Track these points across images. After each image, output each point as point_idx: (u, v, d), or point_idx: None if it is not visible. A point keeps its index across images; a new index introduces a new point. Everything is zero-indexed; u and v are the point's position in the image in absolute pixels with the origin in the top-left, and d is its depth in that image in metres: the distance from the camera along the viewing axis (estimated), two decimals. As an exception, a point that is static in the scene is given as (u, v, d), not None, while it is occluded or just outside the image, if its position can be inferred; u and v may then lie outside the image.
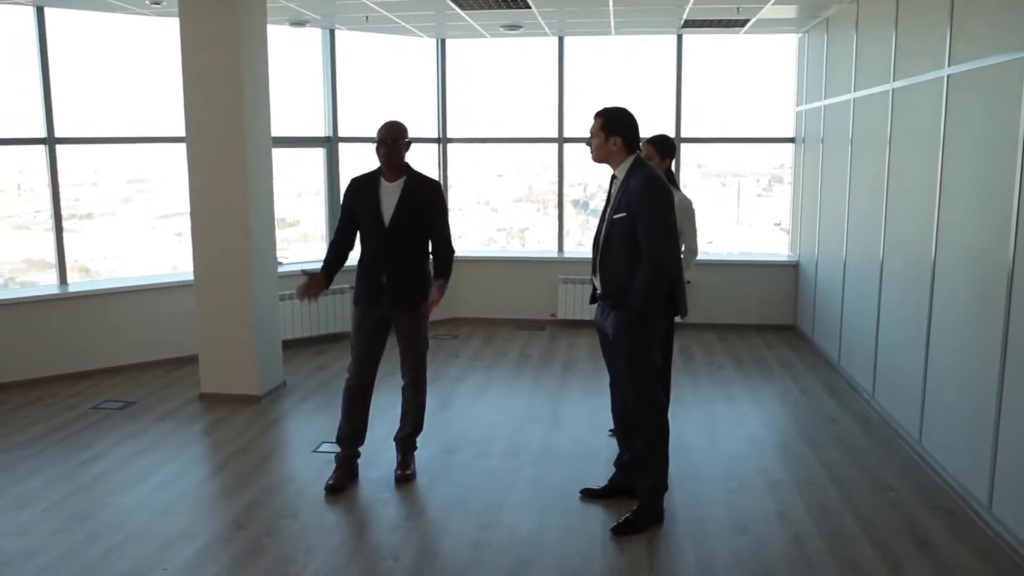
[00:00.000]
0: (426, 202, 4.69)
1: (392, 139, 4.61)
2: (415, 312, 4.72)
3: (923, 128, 5.12)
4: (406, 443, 4.97)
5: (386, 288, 4.66)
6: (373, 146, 4.65)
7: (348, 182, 4.81)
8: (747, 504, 4.53)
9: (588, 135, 4.24)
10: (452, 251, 4.84)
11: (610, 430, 5.46)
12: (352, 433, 4.87)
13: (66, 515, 4.44)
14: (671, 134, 8.76)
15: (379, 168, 4.71)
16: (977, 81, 4.45)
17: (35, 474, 4.99)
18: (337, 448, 4.95)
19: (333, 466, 4.93)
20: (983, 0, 4.45)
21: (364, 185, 4.71)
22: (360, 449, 4.94)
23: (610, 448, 5.24)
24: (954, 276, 4.70)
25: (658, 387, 4.27)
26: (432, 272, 4.76)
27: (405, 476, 4.85)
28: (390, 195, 4.64)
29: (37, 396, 6.46)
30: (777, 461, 5.18)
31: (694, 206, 5.26)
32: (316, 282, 4.65)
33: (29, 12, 6.85)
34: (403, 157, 4.67)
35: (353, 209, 4.72)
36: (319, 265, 4.79)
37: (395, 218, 4.62)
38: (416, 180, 4.72)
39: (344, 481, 4.79)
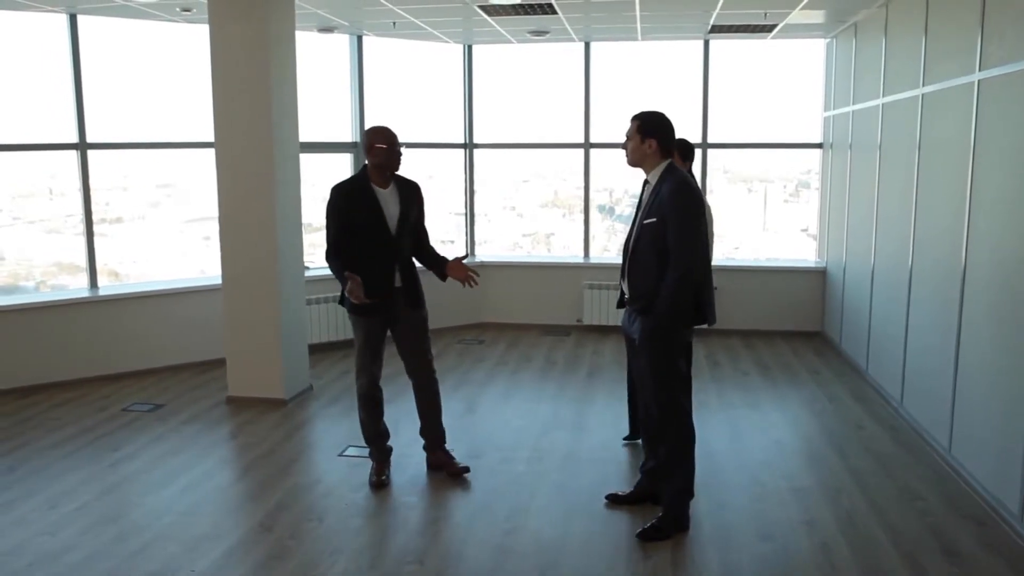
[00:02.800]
0: (420, 204, 4.85)
1: (397, 143, 4.66)
2: (422, 309, 4.87)
3: (953, 133, 5.07)
4: (440, 444, 5.08)
5: (401, 291, 4.73)
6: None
7: (332, 189, 4.72)
8: (773, 512, 4.50)
9: (624, 139, 4.24)
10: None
11: (624, 439, 5.44)
12: (381, 432, 4.98)
13: (95, 515, 4.49)
14: (697, 139, 8.76)
15: (363, 174, 4.72)
16: (1009, 86, 4.40)
17: (66, 475, 5.06)
18: (365, 450, 5.06)
19: (360, 469, 5.01)
20: (1015, 4, 4.40)
21: (356, 193, 4.68)
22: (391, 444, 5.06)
23: (635, 454, 5.23)
24: (985, 283, 4.64)
25: (683, 393, 4.25)
26: (438, 260, 4.88)
27: (462, 469, 4.99)
28: (389, 202, 4.69)
29: (68, 398, 6.55)
30: (803, 468, 5.14)
31: (712, 213, 5.24)
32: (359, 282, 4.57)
33: (62, 19, 6.96)
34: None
35: (347, 217, 4.66)
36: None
37: (401, 225, 4.70)
38: (406, 184, 4.80)
39: (386, 472, 4.92)
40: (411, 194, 4.79)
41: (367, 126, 8.32)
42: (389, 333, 4.88)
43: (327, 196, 4.75)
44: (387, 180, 4.71)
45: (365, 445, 5.03)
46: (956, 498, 4.65)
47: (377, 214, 4.65)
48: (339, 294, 7.38)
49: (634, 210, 4.39)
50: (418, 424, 5.04)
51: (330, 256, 4.71)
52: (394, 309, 4.75)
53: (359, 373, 4.87)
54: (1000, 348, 4.43)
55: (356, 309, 4.73)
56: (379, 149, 4.61)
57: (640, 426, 4.73)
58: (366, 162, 4.70)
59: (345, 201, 4.69)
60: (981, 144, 4.70)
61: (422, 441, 5.10)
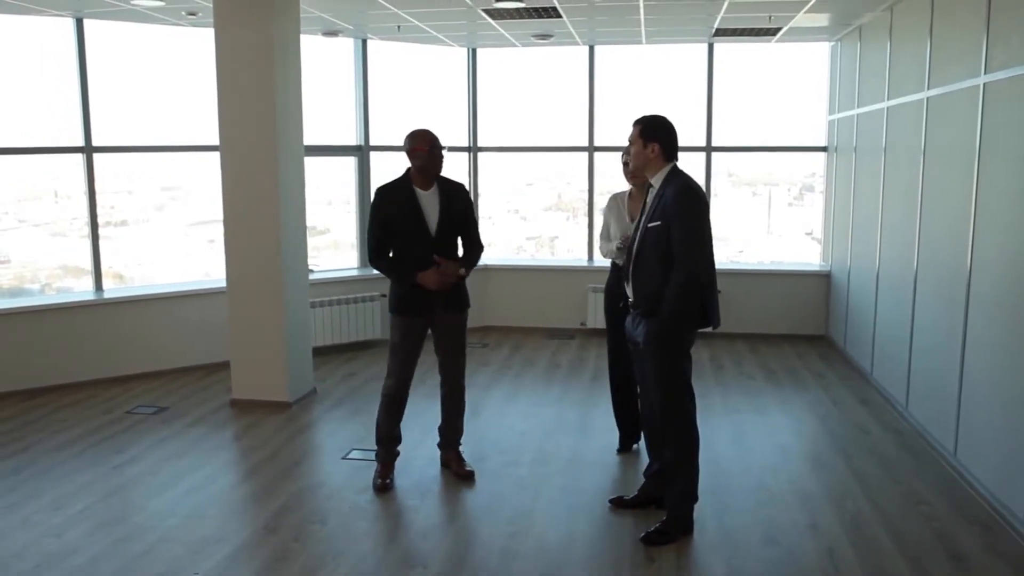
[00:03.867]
0: (464, 206, 4.83)
1: (438, 147, 4.70)
2: (463, 312, 4.88)
3: (959, 137, 5.06)
4: (455, 443, 5.12)
5: (437, 293, 4.72)
6: (404, 154, 4.71)
7: (376, 192, 4.81)
8: (778, 516, 4.49)
9: (626, 144, 4.25)
10: (482, 248, 4.96)
11: (618, 451, 5.41)
12: (395, 435, 4.98)
13: (100, 518, 4.50)
14: (702, 143, 8.76)
15: (407, 176, 4.76)
16: (1015, 89, 4.39)
17: (70, 477, 5.06)
18: (370, 452, 5.09)
19: (365, 472, 5.03)
20: (1021, 7, 4.39)
21: (398, 194, 4.73)
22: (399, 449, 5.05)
23: (639, 457, 5.22)
24: (990, 286, 4.63)
25: (686, 397, 4.24)
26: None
27: (469, 472, 5.00)
28: (430, 203, 4.71)
29: (73, 400, 6.56)
30: (808, 472, 5.13)
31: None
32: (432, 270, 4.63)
33: (69, 23, 6.99)
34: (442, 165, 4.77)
35: (389, 218, 4.72)
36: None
37: (441, 226, 4.71)
38: (449, 186, 4.82)
39: (390, 475, 4.90)
40: (454, 196, 4.81)
41: (371, 130, 8.45)
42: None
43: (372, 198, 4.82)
44: (429, 182, 4.74)
45: (374, 446, 5.02)
46: (961, 502, 4.63)
47: (417, 215, 4.69)
48: (369, 295, 7.34)
49: (637, 214, 4.39)
50: (423, 428, 5.06)
51: (375, 257, 4.77)
52: (434, 311, 4.77)
53: (389, 373, 4.90)
54: (1006, 351, 4.42)
55: (398, 309, 4.78)
56: (420, 152, 4.66)
57: (643, 429, 4.72)
58: (409, 165, 4.74)
59: (387, 202, 4.73)
60: (986, 147, 4.70)
61: (427, 445, 5.12)
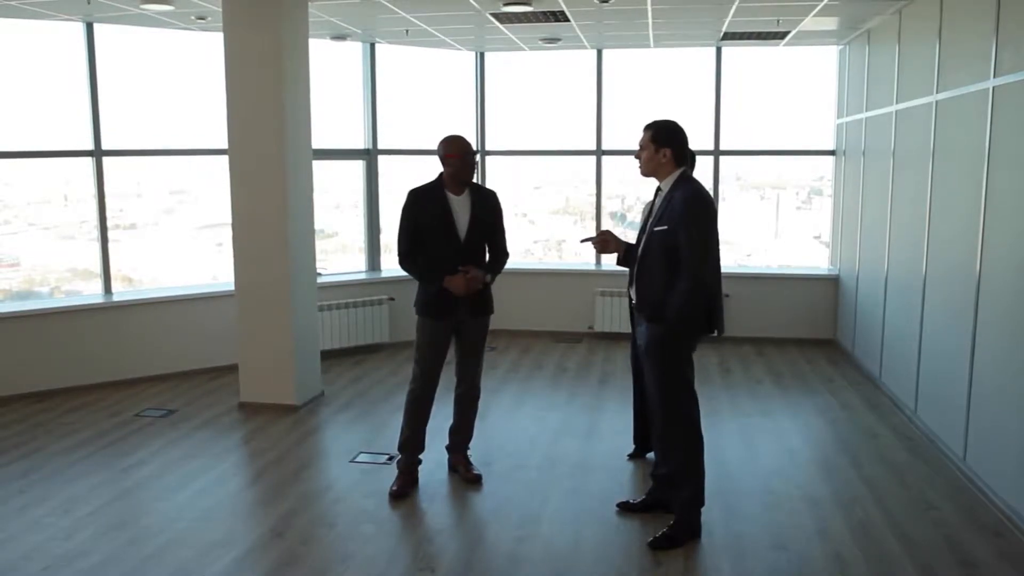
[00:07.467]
0: (494, 213, 4.87)
1: (471, 153, 4.72)
2: (487, 316, 4.93)
3: (968, 140, 5.04)
4: (464, 447, 5.12)
5: (463, 297, 4.74)
6: (434, 159, 4.75)
7: (408, 194, 4.81)
8: (786, 520, 4.47)
9: (637, 148, 4.23)
10: (507, 256, 4.97)
11: (628, 455, 5.40)
12: (418, 441, 4.96)
13: (108, 520, 4.51)
14: (710, 146, 8.75)
15: (440, 180, 4.78)
16: (1024, 93, 4.39)
17: (79, 480, 5.08)
18: (379, 456, 5.08)
19: (372, 475, 5.03)
20: (1030, 11, 4.38)
21: (429, 198, 4.75)
22: (421, 456, 5.02)
23: (647, 461, 5.21)
24: (1000, 291, 4.61)
25: (690, 402, 4.22)
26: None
27: (477, 476, 5.00)
28: (461, 209, 4.74)
29: (81, 403, 6.58)
30: (817, 477, 5.11)
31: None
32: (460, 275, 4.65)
33: (79, 28, 7.02)
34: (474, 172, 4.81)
35: (420, 221, 4.74)
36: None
37: (471, 231, 4.75)
38: (480, 193, 4.87)
39: (407, 487, 4.86)
40: (485, 202, 4.85)
41: (379, 133, 8.46)
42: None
43: (403, 201, 4.83)
44: (461, 187, 4.77)
45: (381, 449, 5.01)
46: (972, 508, 4.61)
47: (448, 220, 4.71)
48: (377, 298, 7.31)
49: (643, 217, 4.38)
50: (430, 431, 5.03)
51: (406, 260, 4.79)
52: (459, 314, 4.79)
53: (415, 377, 4.89)
54: (1015, 355, 4.40)
55: (425, 311, 4.80)
56: (453, 159, 4.69)
57: (651, 431, 4.71)
58: (441, 170, 4.76)
59: (418, 205, 4.76)
60: (995, 151, 4.68)
61: (435, 448, 5.10)
